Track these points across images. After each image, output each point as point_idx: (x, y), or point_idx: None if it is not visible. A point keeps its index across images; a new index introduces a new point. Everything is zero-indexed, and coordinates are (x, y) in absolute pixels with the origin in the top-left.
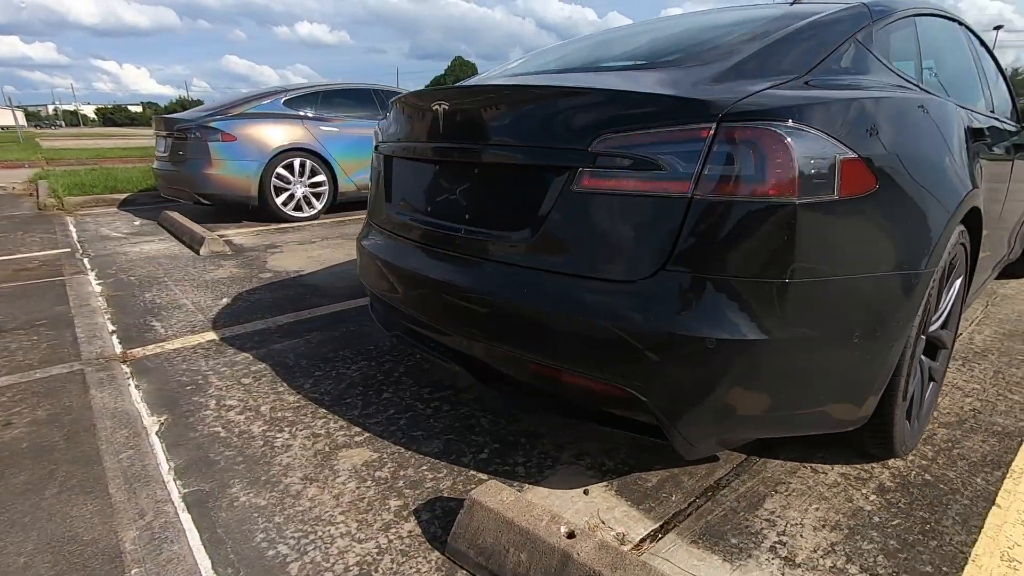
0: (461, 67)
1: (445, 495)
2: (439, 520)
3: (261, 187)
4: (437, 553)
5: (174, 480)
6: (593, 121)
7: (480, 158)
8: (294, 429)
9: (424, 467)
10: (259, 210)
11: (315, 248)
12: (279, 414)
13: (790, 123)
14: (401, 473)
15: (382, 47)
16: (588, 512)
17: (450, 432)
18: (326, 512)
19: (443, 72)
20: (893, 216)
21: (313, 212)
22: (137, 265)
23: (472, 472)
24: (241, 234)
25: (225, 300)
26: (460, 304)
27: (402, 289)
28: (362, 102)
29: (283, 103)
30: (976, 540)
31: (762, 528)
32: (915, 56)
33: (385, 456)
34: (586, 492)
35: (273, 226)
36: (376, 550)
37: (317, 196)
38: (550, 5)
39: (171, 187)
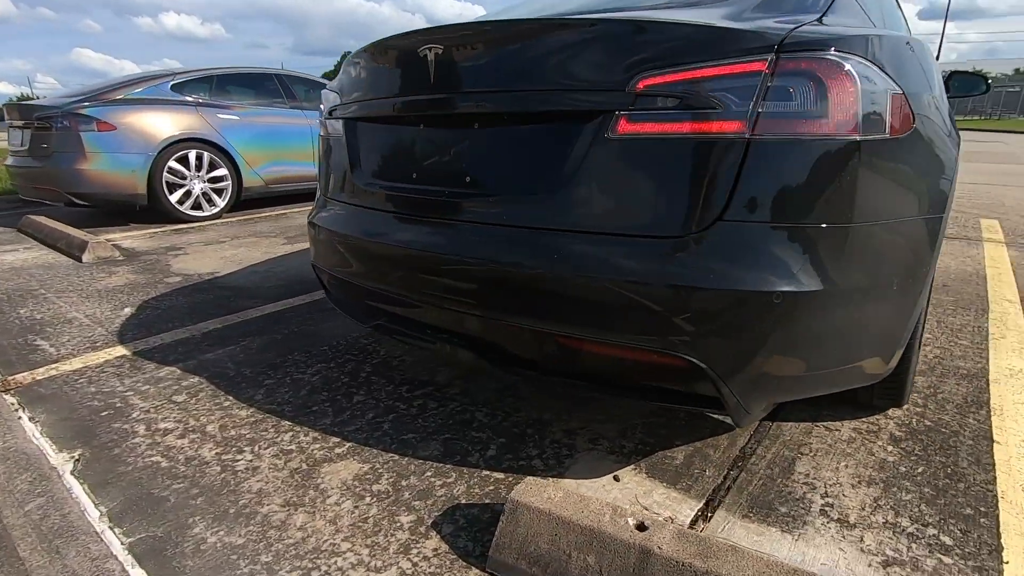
0: None
1: (463, 502)
2: (466, 532)
3: (150, 184)
4: (476, 571)
5: (111, 528)
6: (632, 57)
7: (484, 109)
8: (257, 448)
9: (428, 473)
10: (150, 210)
11: (226, 248)
12: (233, 432)
13: (850, 54)
14: (403, 483)
15: (263, 42)
16: (626, 500)
17: (446, 431)
18: (325, 541)
19: (332, 68)
20: (926, 158)
21: (215, 210)
22: (1, 278)
23: (485, 472)
24: (131, 237)
25: (128, 310)
26: (469, 279)
27: (385, 269)
28: (264, 88)
29: (171, 88)
30: (995, 478)
31: (805, 493)
32: (879, 13)
33: (378, 466)
34: (616, 479)
35: (169, 227)
36: None
37: (218, 192)
38: (439, 1)
39: (35, 187)
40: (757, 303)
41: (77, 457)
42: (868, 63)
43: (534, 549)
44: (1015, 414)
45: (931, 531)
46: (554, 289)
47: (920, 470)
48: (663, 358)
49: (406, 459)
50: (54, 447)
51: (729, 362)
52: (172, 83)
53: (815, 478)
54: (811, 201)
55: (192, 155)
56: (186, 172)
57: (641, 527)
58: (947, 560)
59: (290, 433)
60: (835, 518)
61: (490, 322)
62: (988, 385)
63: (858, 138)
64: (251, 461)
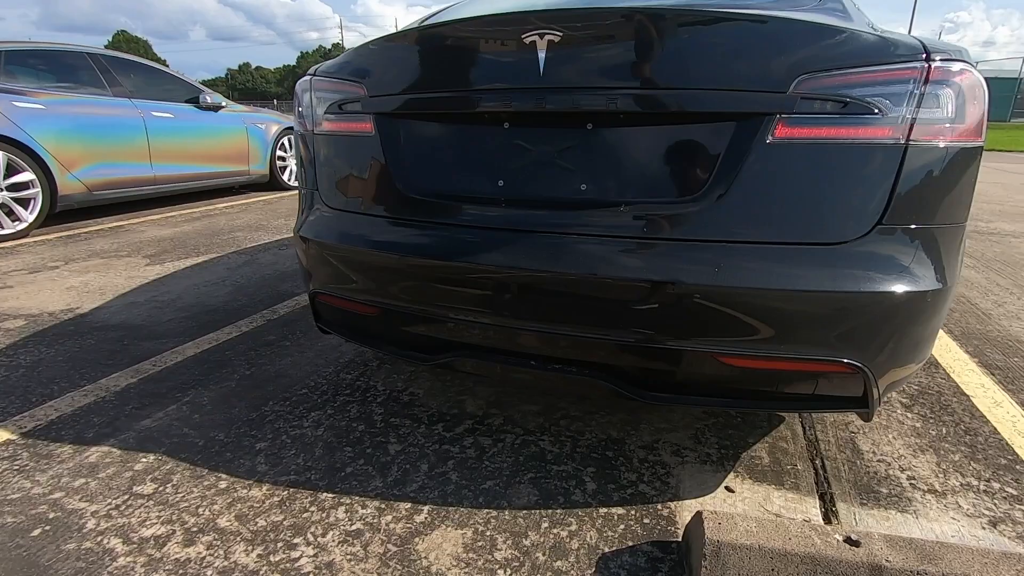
0: (128, 44)
1: (607, 551)
2: None
3: None
4: None
5: None
6: (792, 59)
7: (610, 108)
8: (311, 536)
9: (544, 524)
10: None
11: (67, 275)
12: (261, 523)
13: (973, 65)
14: (526, 543)
15: None
16: (752, 509)
17: (524, 470)
18: None
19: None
20: None
21: (20, 226)
22: None
23: (602, 510)
24: None
25: None
26: (601, 300)
27: (472, 295)
28: (76, 71)
29: None
30: (995, 428)
31: (888, 471)
32: None
33: (481, 528)
34: (729, 489)
35: None
36: None
37: (23, 203)
38: None
39: None
40: (913, 303)
41: None
42: (980, 74)
43: None
44: (961, 369)
45: (996, 484)
46: (717, 305)
47: (944, 431)
48: (827, 366)
49: (506, 512)
50: None
51: (883, 361)
52: None
53: (882, 453)
54: (947, 202)
55: None
56: None
57: (851, 541)
58: None
59: (342, 508)
60: (925, 490)
61: (631, 346)
62: None
63: (980, 143)
64: (316, 556)
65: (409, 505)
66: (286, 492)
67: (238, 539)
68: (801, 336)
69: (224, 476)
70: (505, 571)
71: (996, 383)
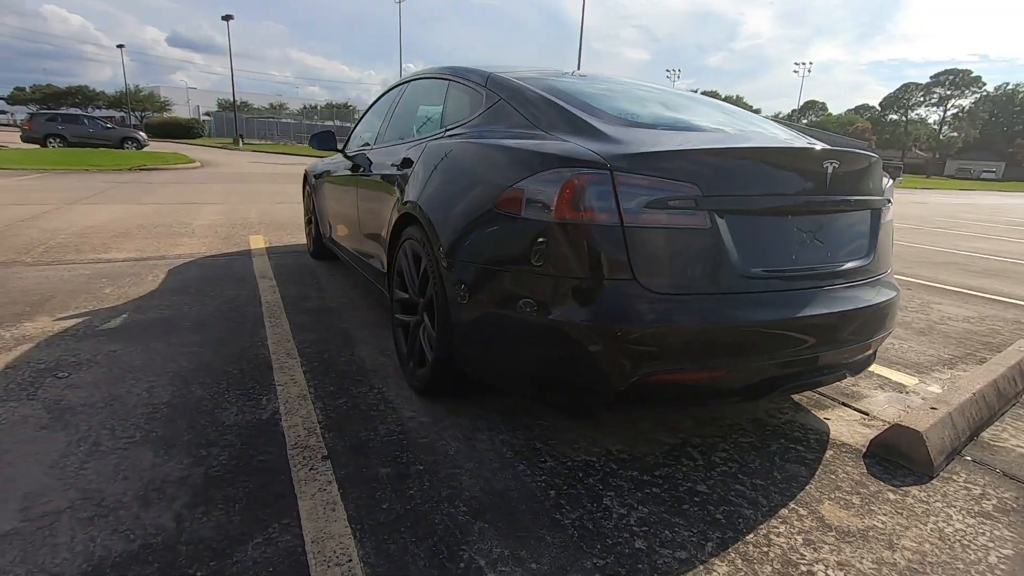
0: None
1: (864, 470)
2: (886, 472)
3: None
4: (926, 479)
5: None
6: (881, 178)
7: (840, 206)
8: (824, 566)
9: (832, 477)
10: None
11: None
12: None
13: None
14: (854, 501)
15: None
16: (850, 424)
17: (773, 457)
18: None
19: None
20: None
21: None
22: None
23: (828, 454)
24: None
25: None
26: (846, 324)
27: (790, 339)
28: None
29: None
30: None
31: (864, 388)
32: None
33: (818, 507)
34: (827, 419)
35: None
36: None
37: None
38: None
39: None
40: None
41: None
42: None
43: (941, 446)
44: None
45: (873, 381)
46: (889, 312)
47: None
48: (887, 335)
49: (811, 486)
50: None
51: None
52: None
53: (853, 384)
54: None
55: None
56: None
57: (933, 409)
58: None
59: (780, 538)
60: (855, 386)
61: (862, 346)
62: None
63: None
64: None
65: (787, 511)
66: (734, 551)
67: None
68: (888, 322)
69: None
70: (874, 518)
71: None
